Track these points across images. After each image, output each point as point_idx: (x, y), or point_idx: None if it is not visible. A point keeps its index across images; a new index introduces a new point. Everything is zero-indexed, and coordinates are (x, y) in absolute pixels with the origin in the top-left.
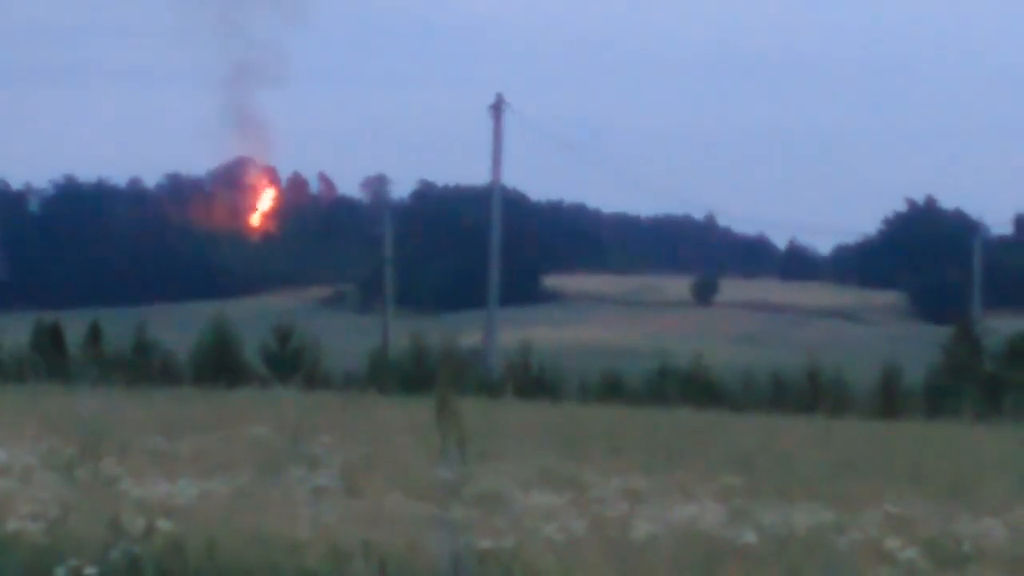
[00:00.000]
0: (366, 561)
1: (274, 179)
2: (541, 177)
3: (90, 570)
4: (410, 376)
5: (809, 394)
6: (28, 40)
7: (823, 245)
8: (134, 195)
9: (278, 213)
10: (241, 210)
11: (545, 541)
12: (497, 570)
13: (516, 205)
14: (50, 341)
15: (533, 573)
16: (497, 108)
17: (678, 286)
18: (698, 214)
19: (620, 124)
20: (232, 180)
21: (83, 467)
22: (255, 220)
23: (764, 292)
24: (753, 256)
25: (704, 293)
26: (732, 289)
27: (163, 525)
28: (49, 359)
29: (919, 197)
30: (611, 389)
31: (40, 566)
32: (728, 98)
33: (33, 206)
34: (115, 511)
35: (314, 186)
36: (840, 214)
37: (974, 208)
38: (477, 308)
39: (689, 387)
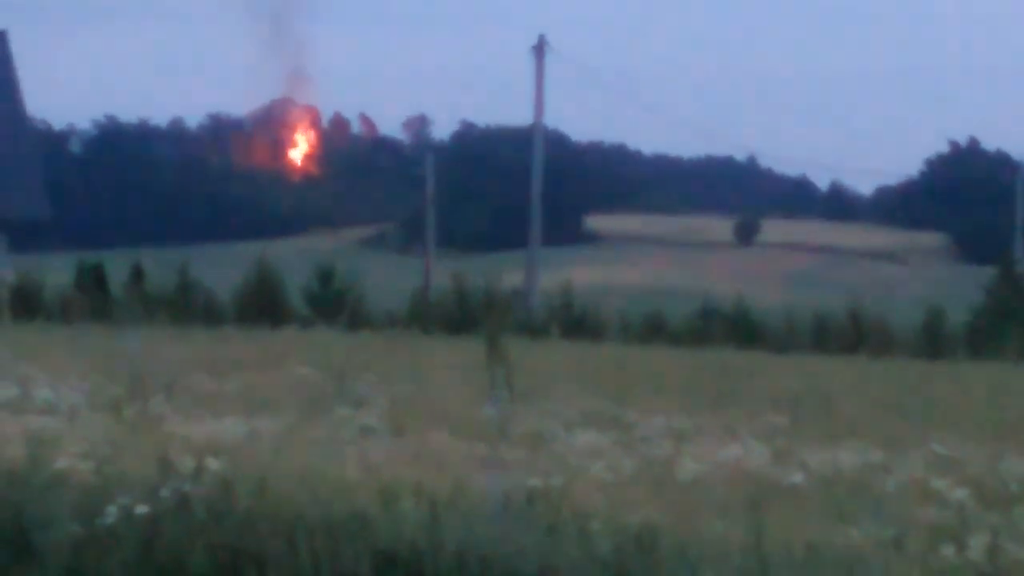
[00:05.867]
0: (416, 501)
1: (315, 119)
2: (582, 118)
3: (141, 508)
4: (452, 316)
5: (852, 335)
6: None
7: (865, 186)
8: (175, 135)
9: (319, 153)
10: (283, 151)
11: (593, 480)
12: (546, 509)
13: (557, 146)
14: (93, 281)
15: (582, 511)
16: (540, 49)
17: (720, 227)
18: (740, 155)
19: (662, 65)
20: (274, 120)
21: (130, 406)
22: (296, 160)
23: (806, 233)
24: (795, 197)
25: (746, 234)
26: (774, 230)
27: (212, 464)
28: (92, 299)
29: (962, 138)
30: (653, 330)
31: (91, 504)
32: (770, 40)
33: (75, 147)
34: (163, 450)
35: (355, 126)
36: (882, 155)
37: (1017, 149)
38: (518, 249)
39: (731, 328)
